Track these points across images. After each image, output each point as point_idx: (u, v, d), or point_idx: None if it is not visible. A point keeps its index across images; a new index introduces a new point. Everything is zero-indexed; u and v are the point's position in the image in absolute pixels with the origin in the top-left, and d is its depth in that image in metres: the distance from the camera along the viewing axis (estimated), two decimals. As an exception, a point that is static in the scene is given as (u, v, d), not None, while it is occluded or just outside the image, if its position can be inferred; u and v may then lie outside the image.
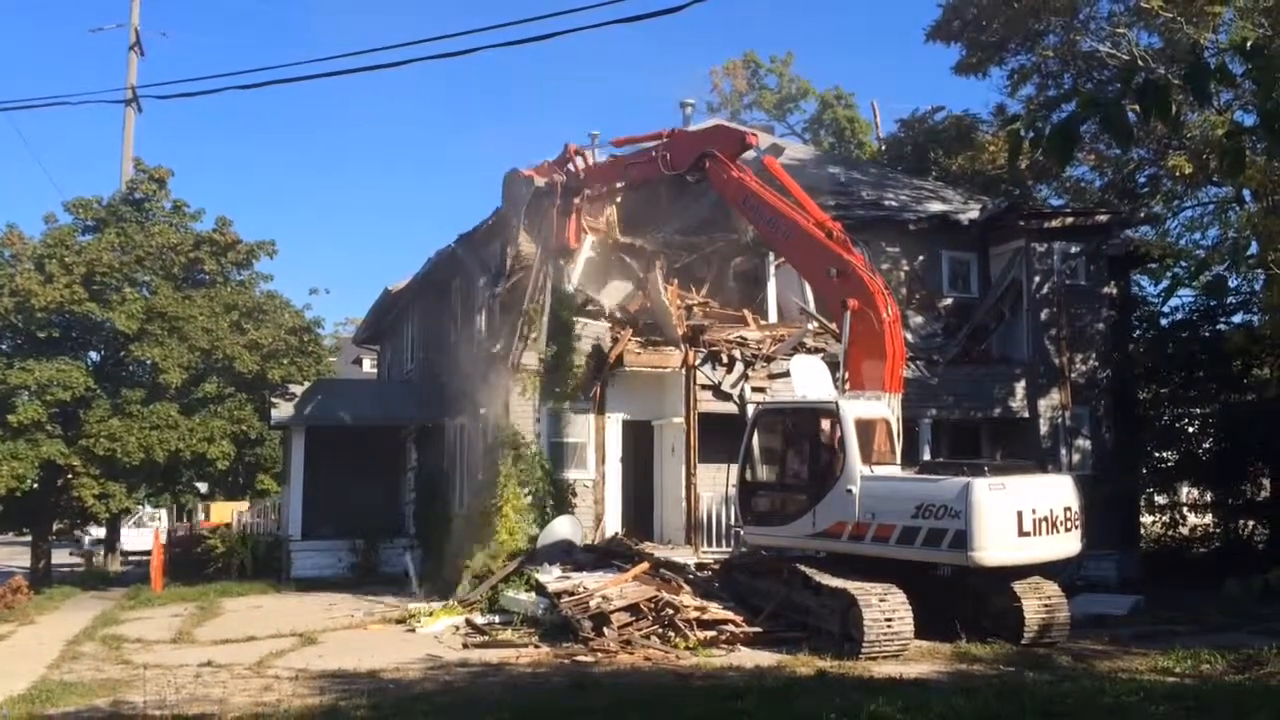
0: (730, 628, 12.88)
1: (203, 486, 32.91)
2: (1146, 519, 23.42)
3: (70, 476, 23.51)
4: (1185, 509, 24.23)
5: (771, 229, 15.12)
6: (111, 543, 29.38)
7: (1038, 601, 12.38)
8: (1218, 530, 23.58)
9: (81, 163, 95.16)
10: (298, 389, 24.86)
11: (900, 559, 12.18)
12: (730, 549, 16.49)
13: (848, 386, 13.75)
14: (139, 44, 32.41)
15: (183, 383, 23.95)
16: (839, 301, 13.97)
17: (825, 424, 13.31)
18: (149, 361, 24.17)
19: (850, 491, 12.62)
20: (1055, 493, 12.30)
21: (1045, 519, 11.86)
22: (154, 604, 18.93)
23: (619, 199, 18.38)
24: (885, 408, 13.38)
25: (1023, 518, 11.67)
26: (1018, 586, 12.38)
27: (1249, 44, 3.46)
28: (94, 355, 26.17)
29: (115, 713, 9.65)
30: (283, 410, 23.67)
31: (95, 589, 22.50)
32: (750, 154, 16.17)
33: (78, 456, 23.16)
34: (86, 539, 34.84)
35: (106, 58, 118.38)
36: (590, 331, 17.97)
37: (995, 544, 11.54)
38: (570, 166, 17.40)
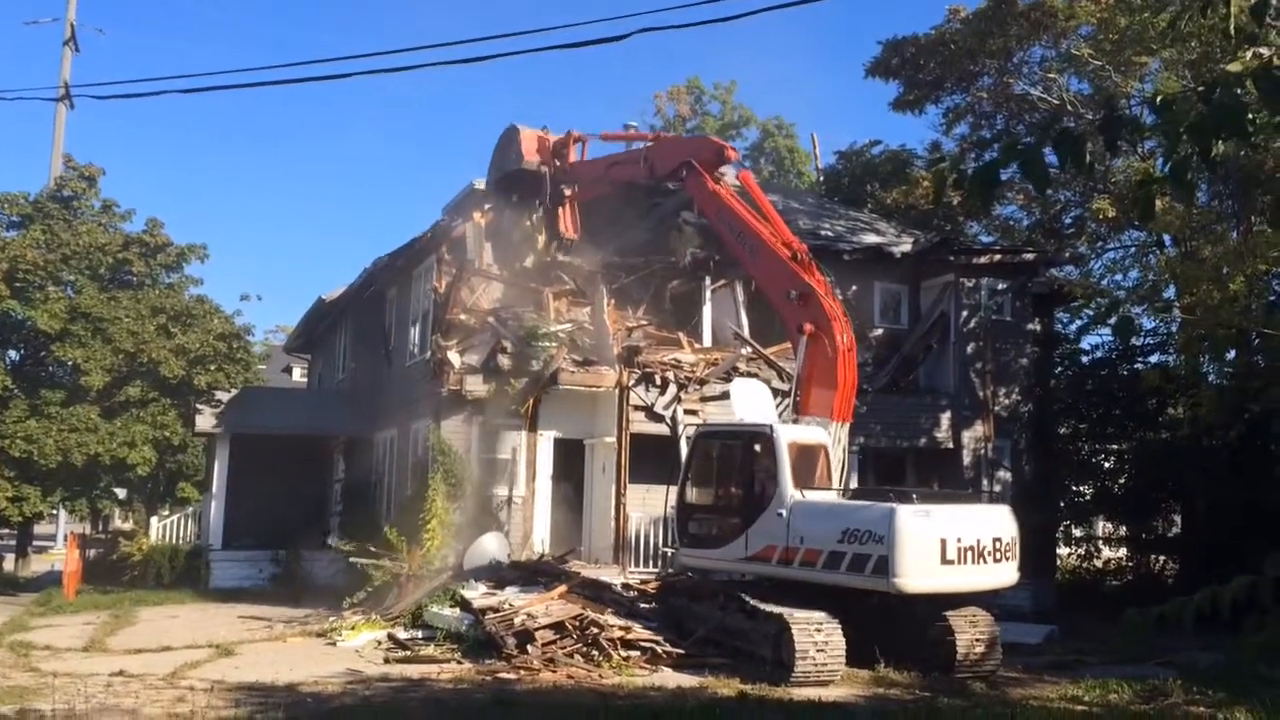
0: (655, 649, 12.92)
1: (121, 492, 32.13)
2: (1062, 551, 24.01)
3: (-17, 478, 22.83)
4: (1100, 542, 24.90)
5: (739, 243, 15.13)
6: (24, 547, 28.51)
7: (972, 633, 12.39)
8: (1130, 564, 24.25)
9: (8, 158, 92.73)
10: (224, 396, 24.46)
11: (826, 584, 12.21)
12: (658, 569, 16.56)
13: (799, 411, 13.81)
14: (74, 39, 31.79)
15: (105, 385, 23.41)
16: (796, 325, 13.95)
17: (760, 448, 13.37)
18: (70, 363, 23.62)
19: (781, 515, 12.68)
20: (985, 522, 12.26)
21: (971, 548, 11.81)
22: (66, 611, 18.43)
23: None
24: (826, 434, 13.47)
25: (946, 545, 11.65)
26: (952, 617, 12.37)
27: (1159, 99, 3.65)
28: (13, 354, 25.47)
29: (21, 721, 9.39)
30: (207, 417, 23.29)
31: (4, 594, 21.83)
32: (729, 170, 16.41)
33: (-9, 457, 22.52)
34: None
35: (40, 51, 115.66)
36: (525, 349, 17.96)
37: (916, 571, 11.54)
38: (564, 151, 17.56)
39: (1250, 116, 3.73)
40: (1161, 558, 23.83)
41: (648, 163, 16.44)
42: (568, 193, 17.63)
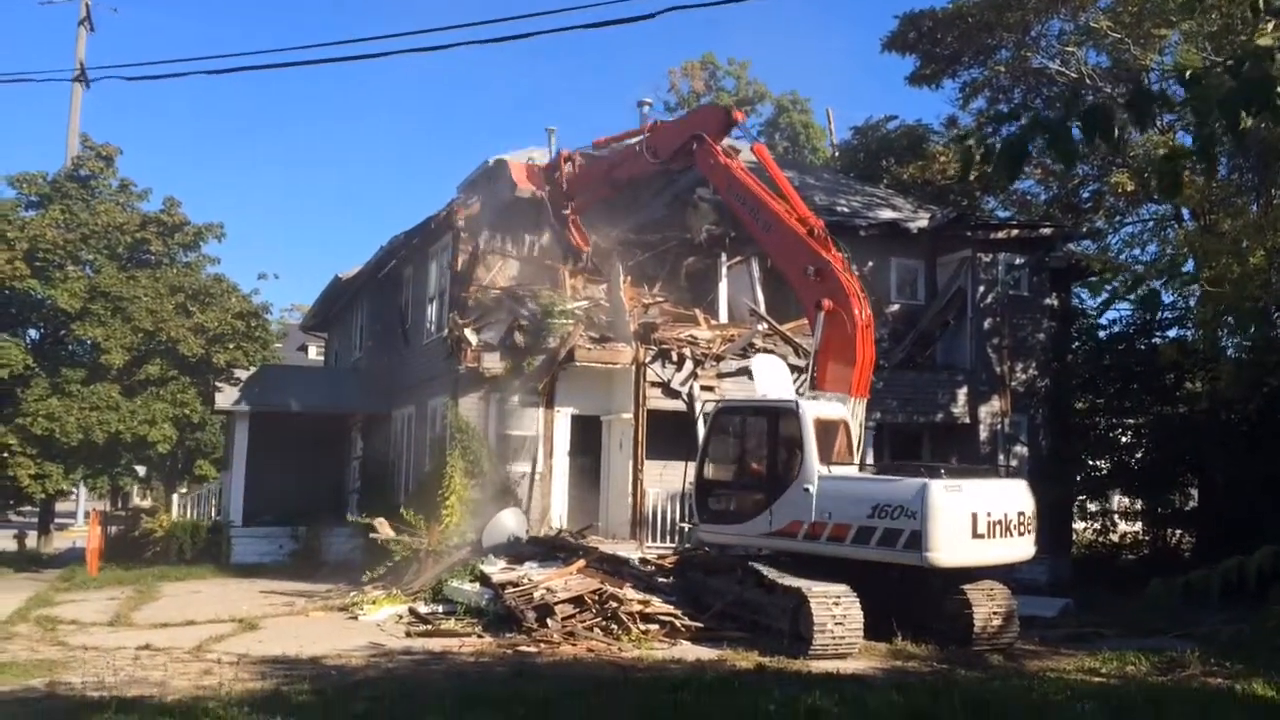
0: (674, 622, 13.02)
1: (141, 470, 32.39)
2: (1078, 525, 24.00)
3: (6, 456, 23.05)
4: (1116, 516, 24.88)
5: (753, 219, 14.93)
6: (46, 525, 28.82)
7: (989, 606, 12.48)
8: (1146, 538, 24.23)
9: (27, 137, 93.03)
10: (243, 374, 24.61)
11: (855, 559, 12.27)
12: (675, 544, 16.65)
13: (816, 387, 13.81)
14: (89, 19, 31.81)
15: (125, 364, 23.57)
16: (814, 301, 13.86)
17: (785, 423, 13.39)
18: (90, 341, 23.77)
19: (808, 491, 12.71)
20: (1009, 497, 12.40)
21: (1000, 522, 11.96)
22: (90, 586, 18.66)
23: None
24: (846, 410, 13.49)
25: (977, 520, 11.76)
26: (969, 590, 12.46)
27: (1189, 74, 3.66)
28: (33, 333, 25.66)
29: (52, 693, 9.54)
30: (227, 395, 23.44)
31: (28, 570, 22.10)
32: (739, 143, 16.19)
33: (14, 436, 22.71)
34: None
35: (54, 31, 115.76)
36: (542, 326, 18.02)
37: (950, 545, 11.65)
38: (556, 175, 17.33)
39: (1278, 90, 3.73)
40: (1178, 532, 23.80)
41: (650, 151, 16.11)
42: (568, 211, 17.48)
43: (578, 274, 18.63)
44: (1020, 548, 12.38)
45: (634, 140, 16.67)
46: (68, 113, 30.40)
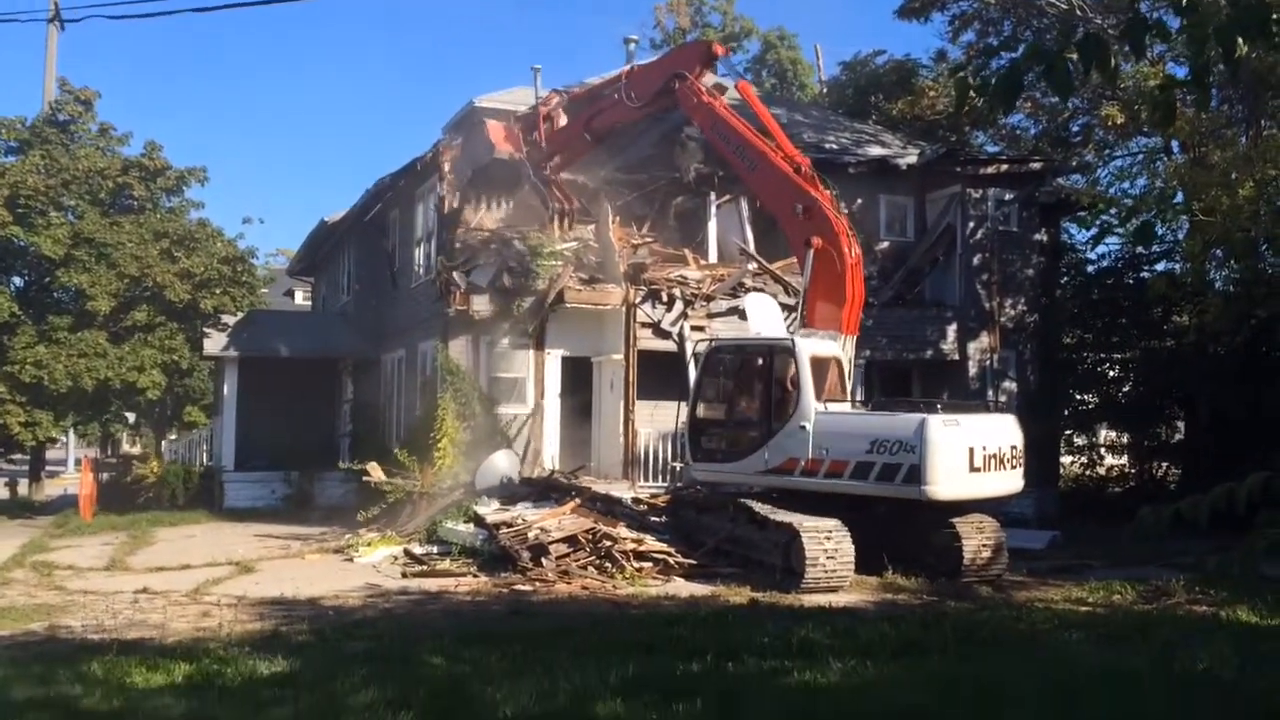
0: (667, 560, 13.16)
1: (130, 417, 32.40)
2: (1066, 459, 24.24)
3: (-5, 403, 22.99)
4: (1103, 450, 25.15)
5: (738, 158, 14.82)
6: (37, 472, 28.86)
7: (978, 538, 12.65)
8: (1133, 471, 24.51)
9: (2, 80, 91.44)
10: (230, 320, 24.51)
11: (853, 494, 12.44)
12: (667, 484, 16.77)
13: (804, 324, 13.83)
14: (62, -43, 31.04)
15: (111, 310, 23.43)
16: (803, 239, 13.83)
17: (780, 361, 13.44)
18: (75, 288, 23.60)
19: (804, 428, 12.82)
20: (1002, 431, 12.62)
21: (994, 456, 12.19)
22: (84, 532, 18.74)
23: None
24: (838, 347, 13.56)
25: (974, 454, 11.98)
26: (959, 523, 12.63)
27: (1184, 1, 3.62)
28: (18, 280, 25.46)
29: (52, 636, 9.63)
30: (216, 341, 23.38)
31: (21, 517, 22.17)
32: (724, 80, 15.96)
33: (3, 384, 22.63)
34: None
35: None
36: (531, 268, 17.92)
37: (947, 479, 11.85)
38: (534, 134, 16.95)
39: (1274, 17, 3.70)
40: (1164, 465, 24.09)
41: (629, 96, 15.79)
42: (548, 170, 17.19)
43: (564, 228, 18.47)
44: (1011, 481, 12.61)
45: (610, 90, 16.30)
46: (44, 56, 29.79)
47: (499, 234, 18.26)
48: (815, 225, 13.75)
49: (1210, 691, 7.16)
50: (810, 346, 13.21)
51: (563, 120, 17.83)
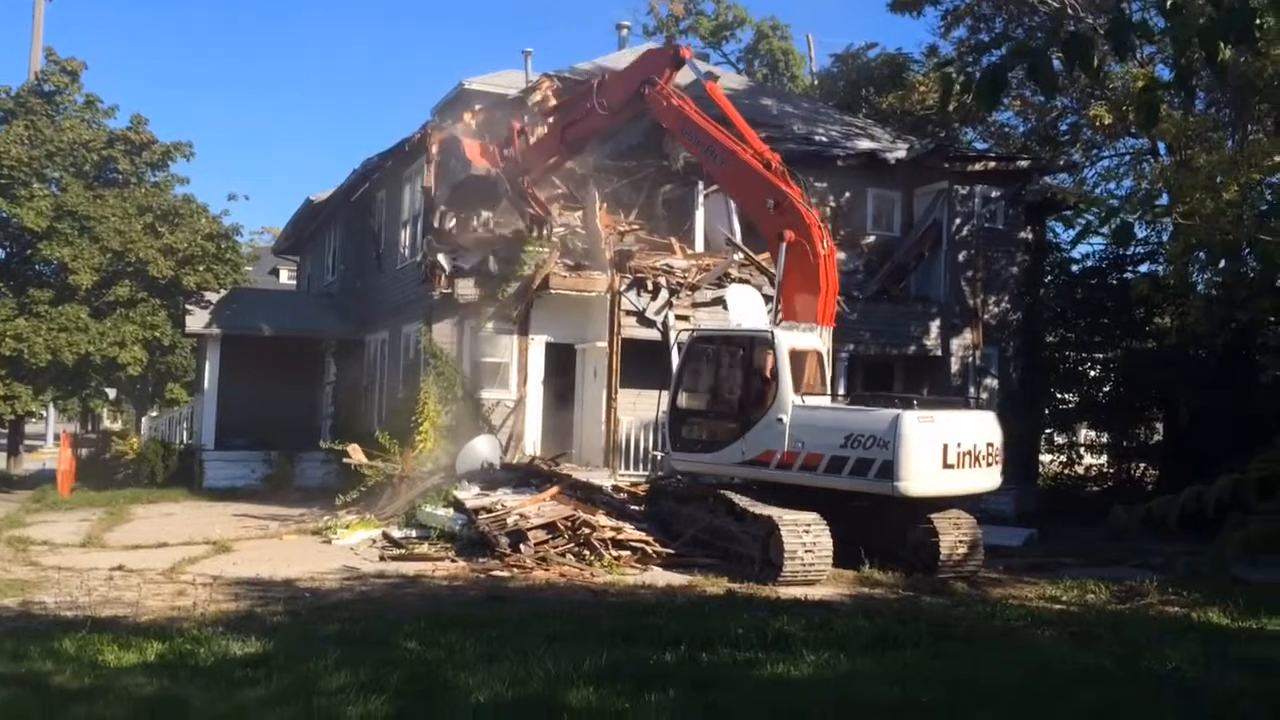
0: (645, 549, 13.18)
1: (111, 393, 32.22)
2: (1045, 457, 24.39)
3: (-27, 377, 22.87)
4: (1082, 449, 25.30)
5: (709, 157, 14.89)
6: (15, 446, 28.71)
7: (955, 534, 12.68)
8: (1111, 470, 24.68)
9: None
10: (213, 297, 24.40)
11: (827, 488, 12.43)
12: (648, 473, 16.78)
13: (780, 317, 13.88)
14: (50, -73, 30.78)
15: (93, 285, 23.30)
16: (775, 233, 13.85)
17: (759, 353, 13.46)
18: (57, 261, 23.45)
19: (781, 420, 12.83)
20: (979, 428, 12.58)
21: (969, 453, 12.13)
22: (61, 508, 18.65)
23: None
24: (818, 339, 13.59)
25: (948, 450, 11.92)
26: (936, 519, 12.65)
27: (1169, 3, 3.62)
28: (-1, 252, 25.32)
29: (25, 612, 9.58)
30: (198, 318, 23.26)
31: (-2, 492, 22.07)
32: (692, 76, 16.04)
33: (-18, 356, 22.53)
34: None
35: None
36: (517, 252, 17.89)
37: (920, 475, 11.80)
38: (508, 151, 16.94)
39: (1258, 22, 3.70)
40: (1142, 465, 24.25)
41: (601, 104, 15.77)
42: (526, 184, 17.17)
43: (553, 200, 18.39)
44: (987, 478, 12.58)
45: (582, 99, 16.28)
46: (30, 25, 29.55)
47: (486, 217, 18.24)
48: (787, 219, 13.76)
49: (1178, 691, 7.22)
50: (790, 339, 13.23)
51: (536, 134, 17.69)
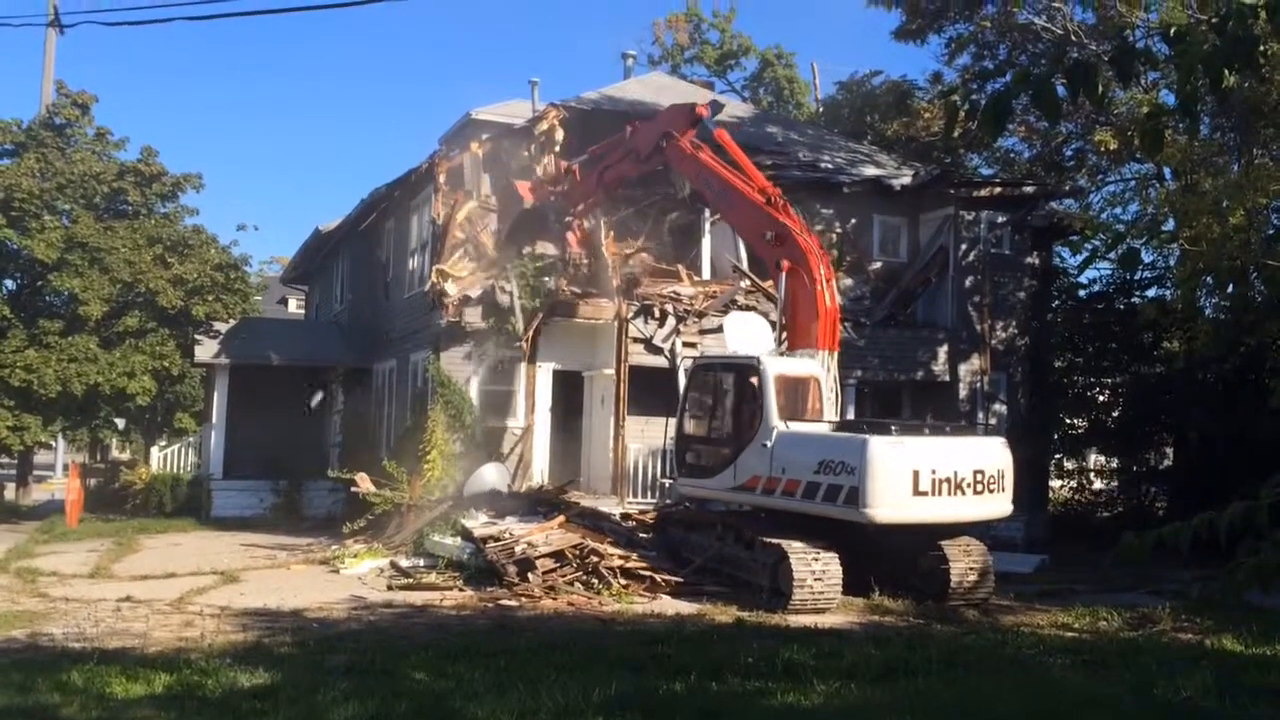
0: (654, 577, 13.12)
1: (120, 423, 32.28)
2: (1055, 483, 24.24)
3: (-17, 407, 22.90)
4: (1092, 474, 25.13)
5: (720, 200, 15.86)
6: (24, 477, 28.72)
7: (965, 562, 12.53)
8: (1121, 496, 24.50)
9: (0, 83, 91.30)
10: (222, 327, 24.47)
11: (805, 513, 12.33)
12: (656, 500, 16.75)
13: (786, 345, 14.02)
14: (62, -38, 31.14)
15: (103, 315, 23.39)
16: (774, 262, 14.37)
17: (748, 379, 13.53)
18: (68, 292, 23.56)
19: (765, 446, 12.84)
20: (967, 454, 12.24)
21: (948, 480, 11.80)
22: (70, 538, 18.64)
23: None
24: (818, 365, 13.60)
25: (919, 476, 11.62)
26: (946, 546, 12.51)
27: (1173, 30, 3.64)
28: (10, 284, 25.41)
29: (33, 644, 9.56)
30: (207, 348, 23.34)
31: (7, 522, 22.04)
32: (722, 98, 16.75)
33: (-9, 387, 22.58)
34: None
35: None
36: (525, 280, 17.93)
37: (887, 501, 11.56)
38: (563, 187, 18.09)
39: (1261, 49, 3.72)
40: (1152, 490, 24.07)
41: (633, 153, 16.94)
42: (570, 217, 18.23)
43: (580, 268, 18.84)
44: (983, 506, 12.24)
45: (619, 144, 17.29)
46: (42, 59, 29.78)
47: (494, 245, 18.38)
48: (785, 249, 14.25)
49: None
50: (777, 365, 13.29)
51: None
